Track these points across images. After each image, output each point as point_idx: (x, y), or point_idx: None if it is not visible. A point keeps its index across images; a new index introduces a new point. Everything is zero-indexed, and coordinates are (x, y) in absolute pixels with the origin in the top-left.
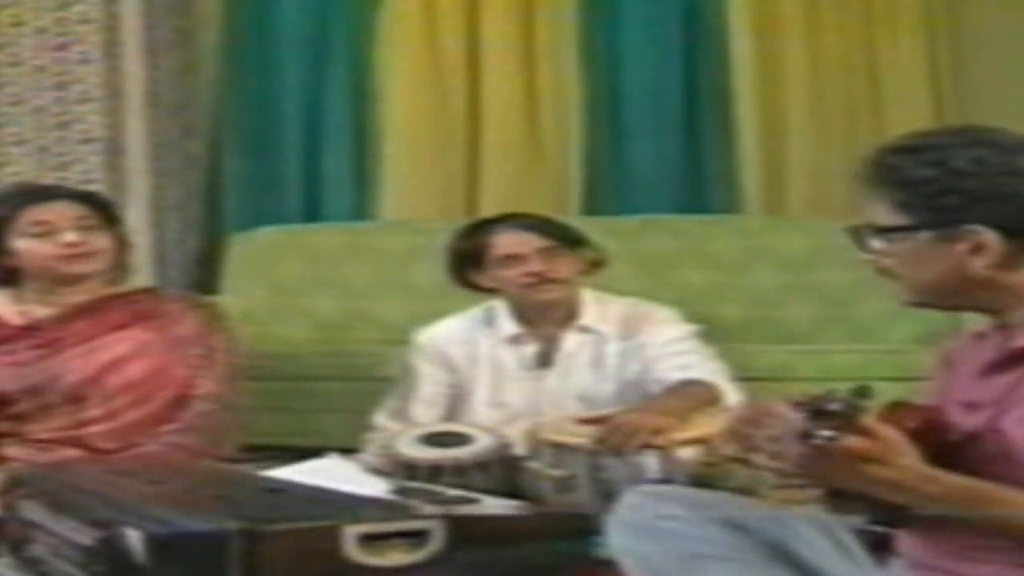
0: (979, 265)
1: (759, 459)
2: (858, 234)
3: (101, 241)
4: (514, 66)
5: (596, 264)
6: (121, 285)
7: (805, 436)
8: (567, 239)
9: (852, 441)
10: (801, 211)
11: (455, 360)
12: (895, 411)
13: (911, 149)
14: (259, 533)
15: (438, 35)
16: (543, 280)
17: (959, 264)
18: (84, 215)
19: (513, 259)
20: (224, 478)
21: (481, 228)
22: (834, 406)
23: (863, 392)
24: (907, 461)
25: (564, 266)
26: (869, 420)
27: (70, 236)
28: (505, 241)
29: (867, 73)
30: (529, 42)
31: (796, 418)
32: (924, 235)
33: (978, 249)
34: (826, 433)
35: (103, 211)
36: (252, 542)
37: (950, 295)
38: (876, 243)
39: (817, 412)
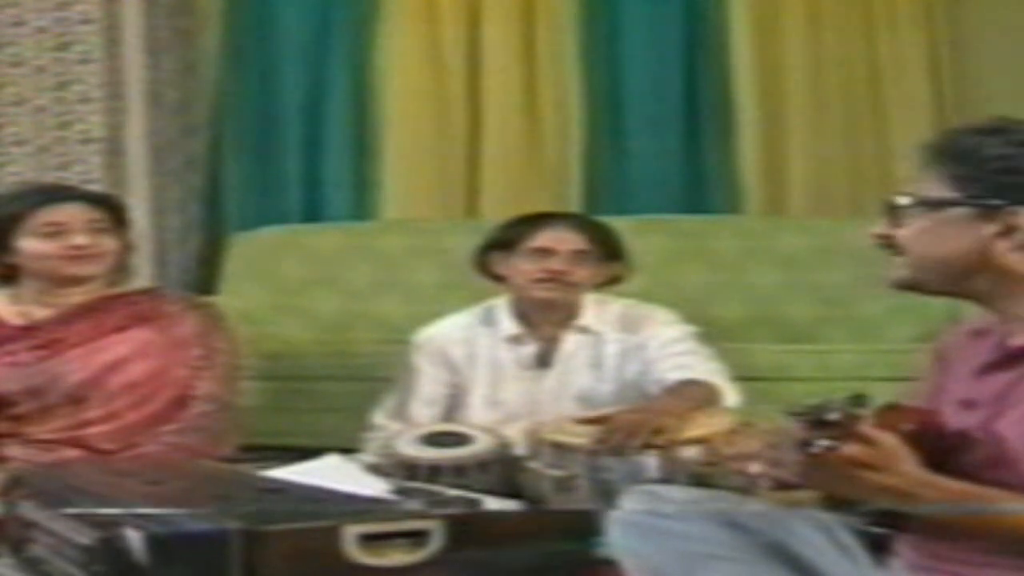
0: (1001, 248)
1: (757, 468)
2: (891, 206)
3: (108, 244)
4: (514, 66)
5: (615, 279)
6: (121, 286)
7: (804, 445)
8: (605, 250)
9: (851, 449)
10: (801, 211)
11: (455, 359)
12: (890, 414)
13: (995, 130)
14: (259, 533)
15: (438, 35)
16: (555, 279)
17: (982, 245)
18: (97, 218)
19: (543, 253)
20: (224, 478)
21: (532, 219)
22: (832, 416)
23: (860, 401)
24: (906, 467)
25: (585, 273)
26: (867, 427)
27: (79, 239)
28: (545, 235)
29: (867, 72)
30: (529, 42)
31: (794, 428)
32: (961, 210)
33: (1008, 231)
34: (824, 443)
35: (115, 214)
36: (252, 542)
37: (954, 276)
38: (907, 213)
39: (815, 422)
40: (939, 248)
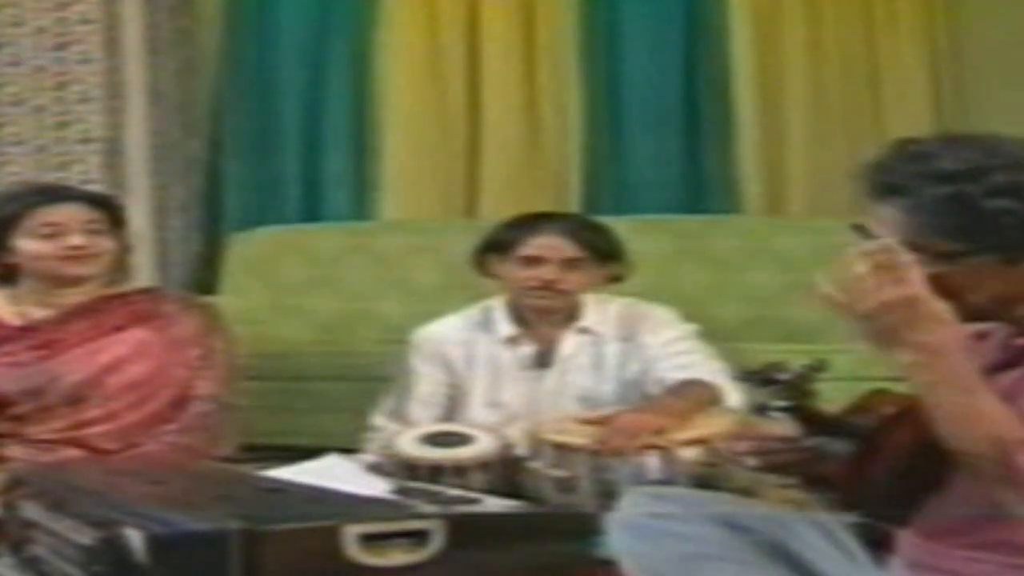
0: None
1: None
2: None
3: (105, 244)
4: (514, 66)
5: (615, 279)
6: (119, 287)
7: (761, 409)
8: (599, 253)
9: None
10: (801, 211)
11: (452, 360)
12: (874, 396)
13: (963, 176)
14: (259, 533)
15: (438, 35)
16: (546, 287)
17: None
18: (94, 219)
19: (534, 261)
20: (224, 478)
21: (524, 223)
22: (783, 376)
23: (818, 365)
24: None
25: (577, 279)
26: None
27: (76, 239)
28: (536, 242)
29: (867, 73)
30: (529, 42)
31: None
32: (985, 257)
33: None
34: (781, 403)
35: (113, 215)
36: (252, 542)
37: (992, 313)
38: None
39: (766, 380)
40: (980, 294)
